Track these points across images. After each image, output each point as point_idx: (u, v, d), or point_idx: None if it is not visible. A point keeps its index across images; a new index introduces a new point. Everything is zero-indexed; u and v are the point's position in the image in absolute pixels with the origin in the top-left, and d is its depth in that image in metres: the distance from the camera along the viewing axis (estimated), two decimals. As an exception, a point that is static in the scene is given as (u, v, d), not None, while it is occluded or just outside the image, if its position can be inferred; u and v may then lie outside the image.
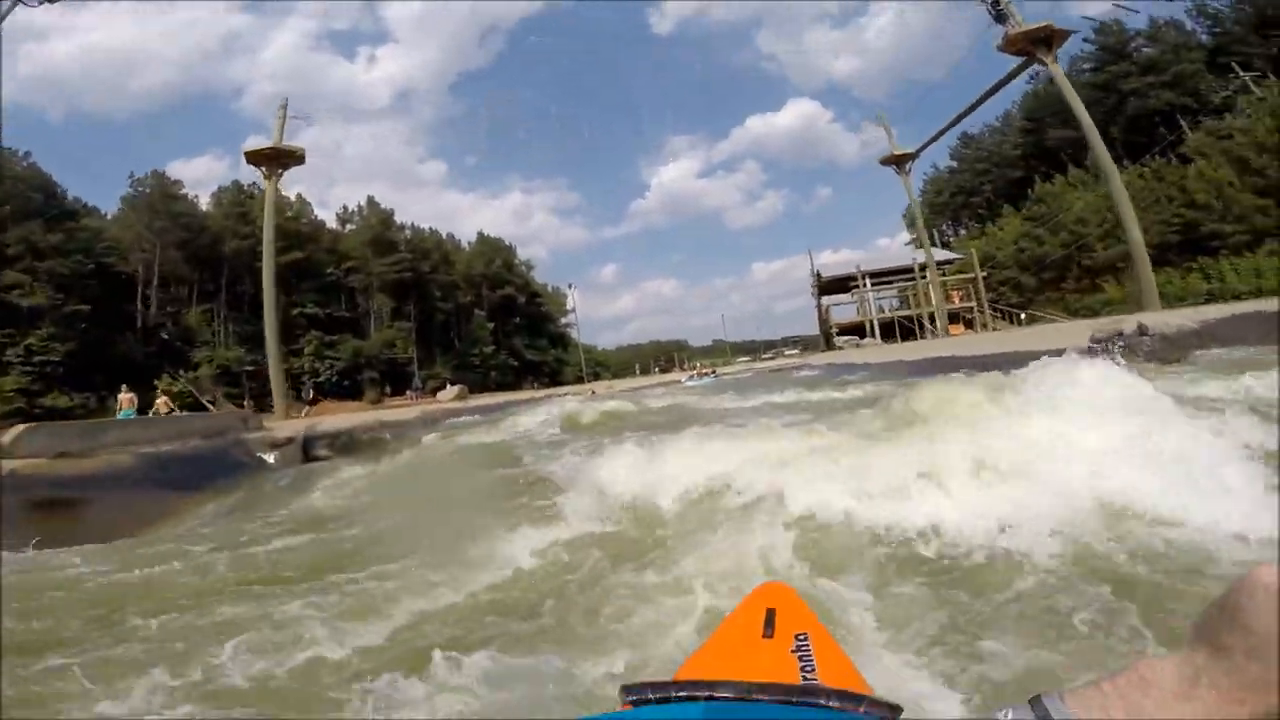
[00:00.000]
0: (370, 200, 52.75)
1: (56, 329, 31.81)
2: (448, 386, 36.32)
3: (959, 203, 64.31)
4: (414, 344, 48.62)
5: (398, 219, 53.24)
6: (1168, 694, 0.45)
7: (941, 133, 36.21)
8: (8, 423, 13.29)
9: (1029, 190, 40.11)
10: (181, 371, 36.42)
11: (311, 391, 39.16)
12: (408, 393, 42.50)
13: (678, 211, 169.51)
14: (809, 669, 1.03)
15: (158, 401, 14.66)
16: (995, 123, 61.74)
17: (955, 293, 36.08)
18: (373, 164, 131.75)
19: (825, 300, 42.40)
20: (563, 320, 72.00)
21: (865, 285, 36.57)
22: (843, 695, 0.75)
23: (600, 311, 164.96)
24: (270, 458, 9.80)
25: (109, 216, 42.42)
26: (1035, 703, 0.49)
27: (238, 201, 46.10)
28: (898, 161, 28.62)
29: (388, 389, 42.79)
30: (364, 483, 7.76)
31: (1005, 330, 28.57)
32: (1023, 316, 33.75)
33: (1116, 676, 0.48)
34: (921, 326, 34.91)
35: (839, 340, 31.32)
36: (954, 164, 65.72)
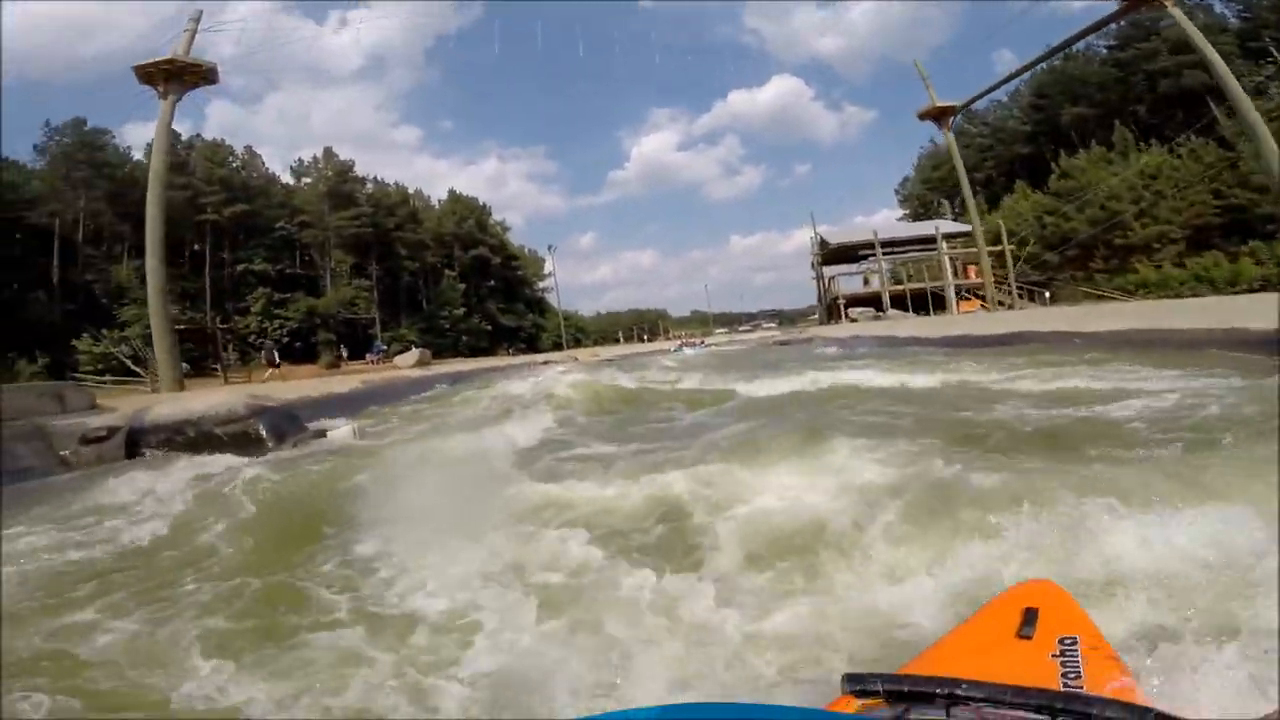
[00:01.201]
0: (327, 151, 47.67)
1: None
2: (411, 351, 32.30)
3: (955, 179, 61.33)
4: (375, 305, 44.38)
5: (360, 173, 48.24)
6: None
7: (995, 86, 33.15)
8: None
9: (1053, 165, 37.05)
10: (104, 331, 31.91)
11: (276, 354, 34.40)
12: (367, 356, 38.66)
13: (657, 182, 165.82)
14: (1074, 676, 0.90)
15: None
16: (1003, 99, 59.06)
17: (970, 267, 33.19)
18: (342, 129, 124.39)
19: (829, 271, 39.11)
20: (540, 285, 68.03)
21: (879, 254, 33.35)
22: (1120, 706, 0.64)
23: (579, 279, 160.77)
24: (69, 454, 6.39)
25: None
26: None
27: (171, 151, 40.83)
28: (938, 116, 24.97)
29: (343, 352, 38.72)
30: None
31: (1037, 308, 25.66)
32: (1048, 295, 31.09)
33: None
34: (941, 300, 31.96)
35: (853, 312, 28.17)
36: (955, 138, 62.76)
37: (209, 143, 43.37)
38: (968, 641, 1.09)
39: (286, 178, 47.75)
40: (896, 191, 69.14)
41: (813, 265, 40.51)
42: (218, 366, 31.52)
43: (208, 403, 7.22)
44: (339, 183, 45.35)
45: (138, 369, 30.98)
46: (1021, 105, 52.98)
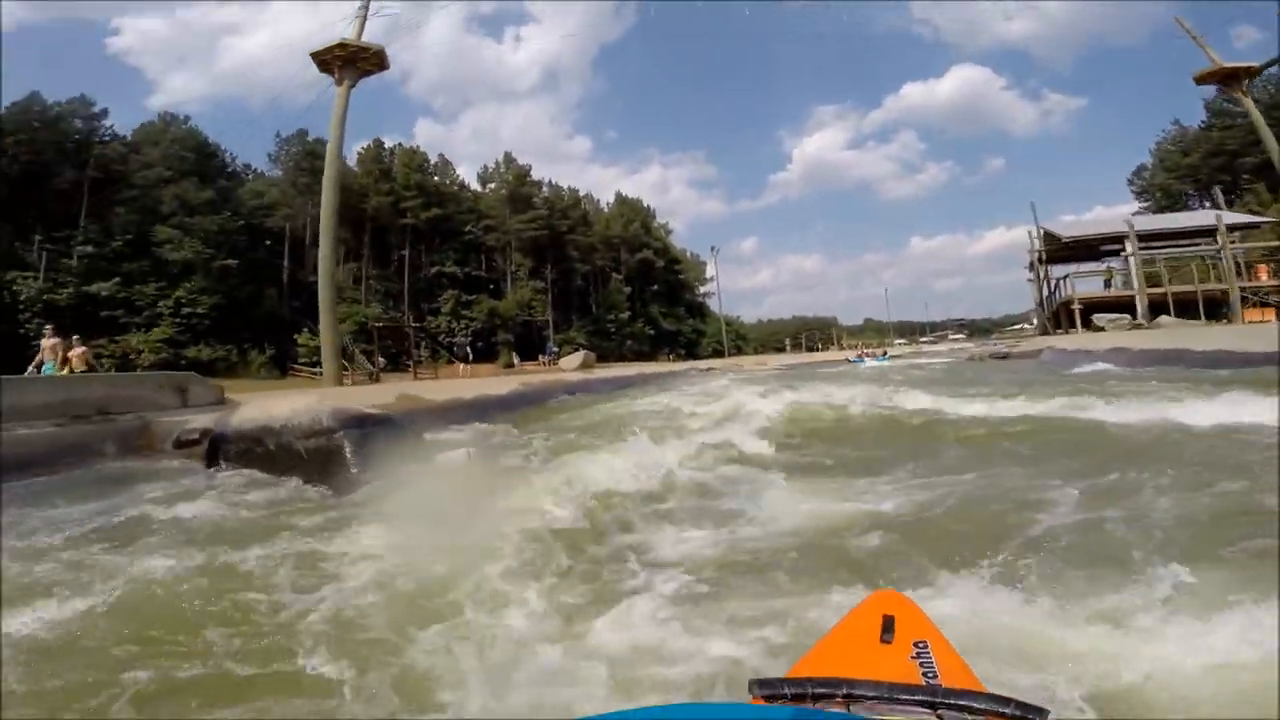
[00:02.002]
0: (507, 156, 50.04)
1: (205, 283, 31.54)
2: (577, 353, 31.95)
3: (1216, 164, 49.69)
4: (549, 307, 45.49)
5: (535, 177, 50.02)
6: None
7: None
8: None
9: None
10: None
11: (469, 352, 34.19)
12: (540, 358, 39.46)
13: (822, 183, 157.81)
14: (931, 675, 0.99)
15: (73, 355, 10.64)
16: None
17: (1261, 267, 25.66)
18: (524, 142, 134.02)
19: (1057, 270, 32.67)
20: (701, 290, 66.58)
21: (1134, 249, 26.85)
22: (990, 699, 0.75)
23: (738, 284, 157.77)
24: (157, 461, 5.49)
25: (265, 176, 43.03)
26: None
27: (377, 158, 45.02)
28: (1226, 79, 18.87)
29: (515, 356, 39.73)
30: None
31: None
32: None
33: None
34: (1217, 305, 25.07)
35: (1101, 320, 22.62)
36: (1206, 119, 50.94)
37: (407, 150, 47.05)
38: (837, 648, 1.13)
39: (475, 185, 51.07)
40: (1130, 182, 58.47)
41: (1031, 265, 34.22)
42: (410, 362, 33.59)
43: (293, 408, 5.93)
44: (518, 186, 47.26)
45: (345, 362, 34.18)
46: None
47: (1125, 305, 26.45)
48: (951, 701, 0.74)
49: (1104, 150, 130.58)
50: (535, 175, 50.30)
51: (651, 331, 53.03)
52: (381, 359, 34.33)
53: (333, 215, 20.39)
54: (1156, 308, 25.73)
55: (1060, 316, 30.73)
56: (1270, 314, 25.45)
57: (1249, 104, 18.89)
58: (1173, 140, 54.32)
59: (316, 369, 31.95)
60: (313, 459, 5.44)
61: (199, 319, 31.45)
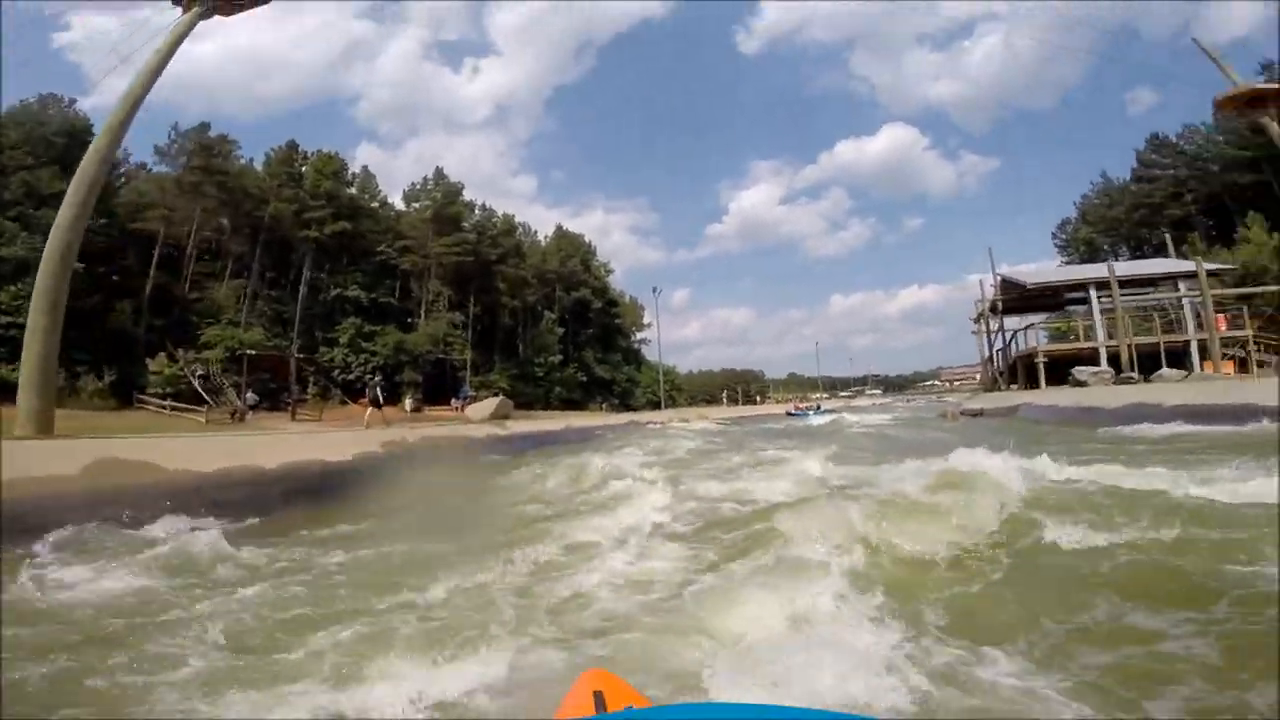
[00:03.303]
0: (438, 171, 45.75)
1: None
2: (490, 399, 27.14)
3: (1137, 218, 52.25)
4: (469, 345, 40.65)
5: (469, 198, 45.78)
6: None
7: None
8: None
9: None
10: (181, 351, 29.30)
11: (380, 393, 23.45)
12: (453, 401, 34.44)
13: (754, 238, 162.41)
14: None
15: None
16: (1200, 125, 49.97)
17: (1221, 317, 24.76)
18: (468, 173, 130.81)
19: (1012, 321, 31.13)
20: (637, 336, 63.45)
21: (1095, 298, 25.39)
22: None
23: (670, 335, 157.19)
24: None
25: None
26: None
27: (288, 160, 39.71)
28: (1252, 102, 17.21)
29: (419, 396, 34.59)
30: None
31: None
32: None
33: None
34: (1178, 358, 23.70)
35: (1081, 373, 20.43)
36: (1134, 170, 53.86)
37: (323, 155, 41.88)
38: None
39: (400, 204, 46.06)
40: (1054, 236, 60.75)
41: (980, 317, 32.70)
42: (289, 400, 27.97)
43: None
44: (446, 205, 42.81)
45: (208, 396, 28.08)
46: (1237, 126, 43.90)
47: (1088, 359, 24.80)
48: None
49: (1015, 210, 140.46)
50: (469, 197, 45.99)
51: (584, 378, 48.87)
52: (253, 394, 28.50)
53: (99, 167, 12.08)
54: (1114, 360, 24.18)
55: (1018, 370, 28.95)
56: (1230, 366, 24.32)
57: (1275, 129, 17.34)
58: (1099, 194, 56.88)
59: (166, 402, 25.90)
60: None
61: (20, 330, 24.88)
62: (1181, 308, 25.67)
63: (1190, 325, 25.25)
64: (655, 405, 49.74)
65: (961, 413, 22.40)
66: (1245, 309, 25.07)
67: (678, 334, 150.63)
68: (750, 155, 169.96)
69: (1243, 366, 24.41)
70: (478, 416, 21.42)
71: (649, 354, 61.50)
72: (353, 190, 41.78)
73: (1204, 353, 24.33)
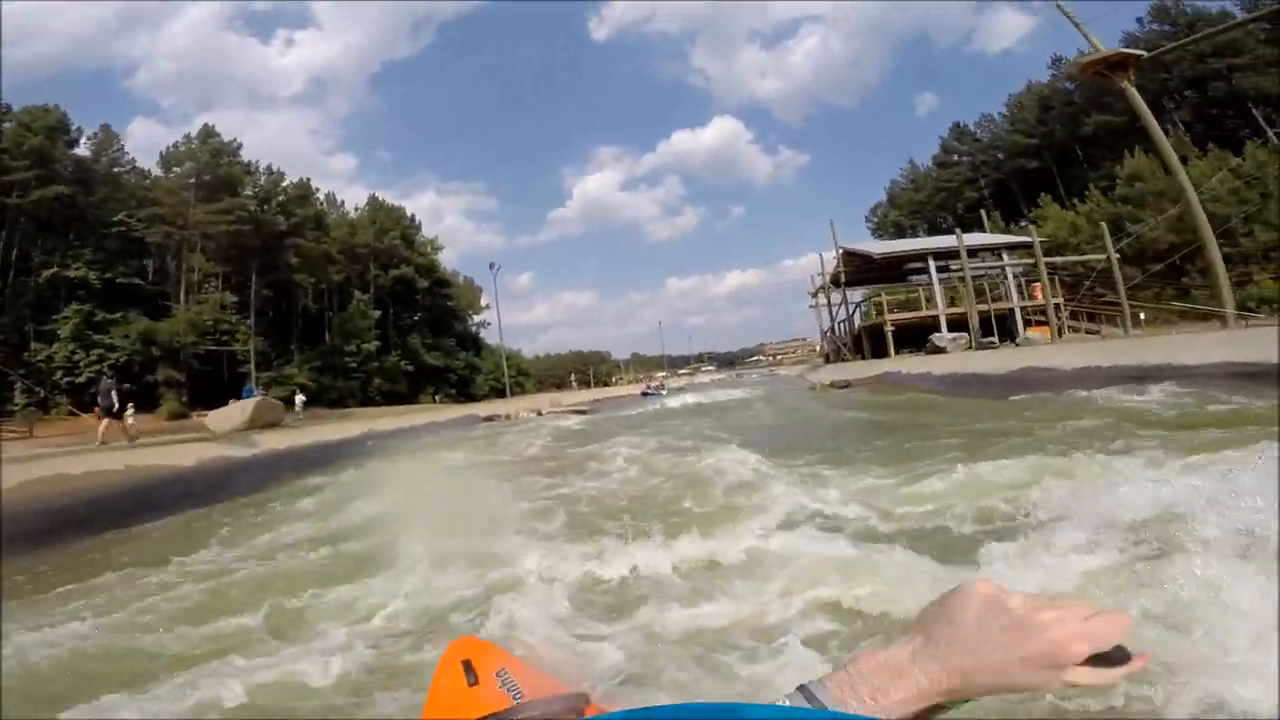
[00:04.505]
0: (205, 129, 36.68)
1: None
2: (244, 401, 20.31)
3: (938, 201, 57.38)
4: (252, 332, 33.00)
5: (247, 158, 37.16)
6: (894, 673, 0.52)
7: (1202, 37, 26.72)
8: None
9: (1117, 175, 31.42)
10: None
11: (115, 397, 15.85)
12: (232, 403, 27.32)
13: (597, 222, 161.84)
14: (519, 696, 1.11)
15: None
16: (996, 115, 55.38)
17: (1036, 286, 26.30)
18: (272, 153, 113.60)
19: (853, 293, 30.99)
20: (476, 319, 57.77)
21: (932, 268, 25.57)
22: (534, 705, 0.85)
23: (515, 319, 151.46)
24: None
25: None
26: (803, 689, 0.52)
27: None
28: (1113, 66, 16.98)
29: (184, 397, 27.24)
30: None
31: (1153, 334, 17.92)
32: (1142, 316, 24.20)
33: (859, 660, 0.54)
34: (1012, 326, 24.51)
35: (940, 339, 19.91)
36: (937, 156, 58.92)
37: (31, 108, 31.59)
38: (443, 701, 1.18)
39: (157, 170, 36.17)
40: (867, 220, 65.67)
41: (821, 290, 32.46)
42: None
43: None
44: (215, 166, 34.28)
45: None
46: (1026, 117, 49.11)
47: (931, 327, 24.95)
48: (535, 714, 0.80)
49: (823, 202, 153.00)
50: (242, 148, 37.25)
51: (410, 367, 42.66)
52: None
53: None
54: (958, 327, 24.55)
55: (863, 340, 28.82)
56: (1044, 330, 25.72)
57: (1133, 94, 17.23)
58: (910, 175, 61.75)
59: None
60: None
61: None
62: (1006, 278, 26.76)
63: (1014, 294, 26.41)
64: (500, 393, 44.96)
65: (830, 384, 21.11)
66: (1055, 279, 26.70)
67: (523, 317, 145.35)
68: (594, 142, 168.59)
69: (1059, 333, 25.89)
70: (220, 427, 15.85)
71: (490, 338, 56.22)
72: (84, 152, 31.89)
73: (1026, 321, 25.64)
